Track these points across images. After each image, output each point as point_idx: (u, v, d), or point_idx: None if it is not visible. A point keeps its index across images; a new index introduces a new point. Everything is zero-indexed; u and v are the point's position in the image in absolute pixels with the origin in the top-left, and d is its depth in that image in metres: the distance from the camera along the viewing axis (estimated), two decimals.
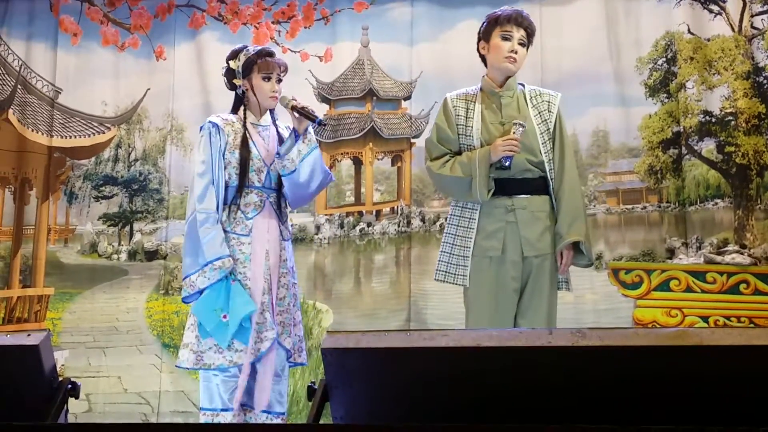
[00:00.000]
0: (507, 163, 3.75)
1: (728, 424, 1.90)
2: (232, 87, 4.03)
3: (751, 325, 5.06)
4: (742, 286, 5.24)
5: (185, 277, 3.80)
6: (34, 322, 6.25)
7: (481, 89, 3.98)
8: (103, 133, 6.54)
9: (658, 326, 5.17)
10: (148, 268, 6.39)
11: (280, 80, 3.99)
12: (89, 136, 6.53)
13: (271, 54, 4.01)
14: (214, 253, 3.75)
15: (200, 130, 3.94)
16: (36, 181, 6.50)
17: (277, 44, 6.05)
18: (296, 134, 3.90)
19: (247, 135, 3.91)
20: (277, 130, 4.05)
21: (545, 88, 4.09)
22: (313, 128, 3.99)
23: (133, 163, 6.54)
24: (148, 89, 6.45)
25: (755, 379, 1.98)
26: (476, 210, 3.84)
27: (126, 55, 6.49)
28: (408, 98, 6.09)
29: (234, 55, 4.01)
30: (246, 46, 4.07)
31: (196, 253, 3.77)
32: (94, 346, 6.18)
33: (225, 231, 3.83)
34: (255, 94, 3.97)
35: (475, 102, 3.94)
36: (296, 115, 3.88)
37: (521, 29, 3.89)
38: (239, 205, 3.86)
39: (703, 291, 5.30)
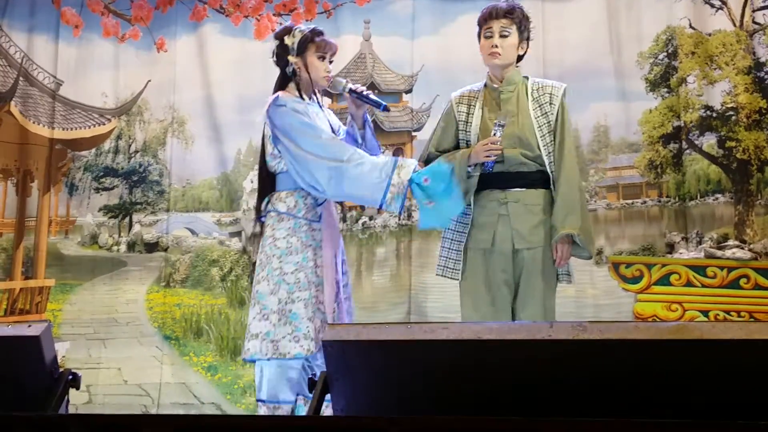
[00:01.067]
0: (489, 167, 3.76)
1: (728, 418, 1.91)
2: (282, 64, 3.92)
3: (752, 320, 5.06)
4: (742, 281, 5.24)
5: (382, 202, 3.66)
6: (35, 314, 6.26)
7: (485, 85, 4.01)
8: (104, 124, 6.54)
9: (658, 320, 5.17)
10: (148, 259, 6.40)
11: (331, 62, 3.93)
12: (90, 127, 6.53)
13: (324, 33, 3.94)
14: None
15: (278, 106, 3.78)
16: (37, 173, 6.50)
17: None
18: (353, 121, 3.88)
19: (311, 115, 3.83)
20: (325, 115, 3.99)
21: (552, 81, 4.08)
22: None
23: (133, 155, 6.54)
24: (149, 81, 6.45)
25: (755, 373, 1.98)
26: (470, 206, 3.86)
27: (126, 46, 6.48)
28: (409, 91, 6.08)
29: (287, 32, 3.90)
30: (295, 25, 3.98)
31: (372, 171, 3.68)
32: (95, 338, 6.18)
33: (296, 217, 3.76)
34: (309, 73, 3.87)
35: (477, 99, 3.98)
36: (355, 98, 3.84)
37: (500, 20, 3.89)
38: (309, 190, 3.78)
39: (703, 285, 5.30)
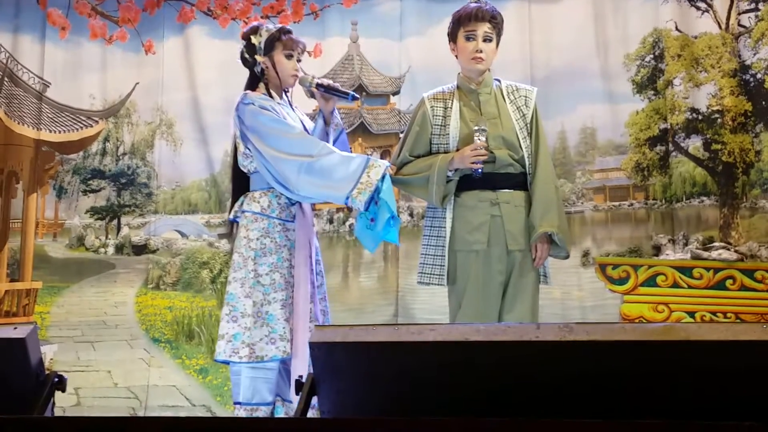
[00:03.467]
0: (479, 173, 3.75)
1: (714, 419, 1.91)
2: (249, 64, 3.90)
3: (738, 321, 5.08)
4: (728, 282, 5.26)
5: (347, 196, 3.59)
6: (22, 316, 6.23)
7: (457, 87, 3.96)
8: (91, 126, 6.52)
9: (644, 321, 5.19)
10: (136, 262, 6.39)
11: (299, 60, 3.89)
12: (77, 130, 6.51)
13: (291, 32, 3.90)
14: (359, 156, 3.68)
15: (246, 104, 3.76)
16: (22, 174, 6.48)
17: None
18: (323, 117, 3.86)
19: (282, 114, 3.80)
20: (296, 114, 3.96)
21: (524, 84, 4.09)
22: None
23: (121, 157, 6.52)
24: (137, 83, 6.44)
25: (741, 374, 1.99)
26: (446, 209, 3.84)
27: (114, 48, 6.47)
28: (396, 93, 6.09)
29: (254, 31, 3.88)
30: (263, 24, 3.95)
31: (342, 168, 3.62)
32: (83, 341, 6.17)
33: (270, 217, 3.74)
34: (277, 72, 3.85)
35: (452, 100, 3.92)
36: (323, 93, 3.82)
37: (485, 23, 3.84)
38: None
39: (689, 286, 5.32)
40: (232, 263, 3.78)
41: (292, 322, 3.64)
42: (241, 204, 3.82)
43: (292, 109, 3.96)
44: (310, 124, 3.98)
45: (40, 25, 6.54)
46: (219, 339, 3.68)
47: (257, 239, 3.72)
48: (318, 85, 3.82)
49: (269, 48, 3.85)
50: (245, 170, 3.84)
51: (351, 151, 4.03)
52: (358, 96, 4.02)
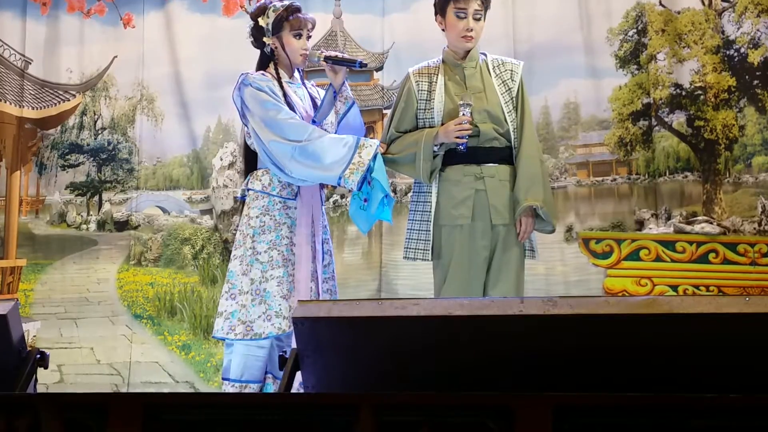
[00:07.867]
0: (464, 148, 3.74)
1: (697, 391, 1.92)
2: (259, 45, 3.91)
3: (720, 294, 5.11)
4: (711, 256, 5.28)
5: (339, 177, 3.63)
6: (6, 294, 6.22)
7: (443, 61, 3.97)
8: (69, 100, 6.47)
9: (628, 295, 5.20)
10: (118, 238, 6.36)
11: (309, 37, 3.90)
12: (56, 104, 6.46)
13: (300, 10, 3.89)
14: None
15: (245, 86, 3.76)
16: (5, 152, 6.43)
17: (248, 14, 5.98)
18: (333, 91, 3.84)
19: (287, 94, 3.80)
20: (308, 91, 3.97)
21: (510, 58, 4.09)
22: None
23: (100, 132, 6.48)
24: (115, 57, 6.38)
25: (723, 346, 2.00)
26: (431, 184, 3.84)
27: (92, 21, 6.41)
28: (380, 69, 6.06)
29: (261, 12, 3.87)
30: (271, 2, 3.92)
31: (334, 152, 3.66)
32: (66, 317, 6.16)
33: (270, 195, 3.75)
34: (286, 52, 3.85)
35: (437, 74, 3.93)
36: (331, 65, 3.80)
37: (476, 1, 3.84)
38: None
39: (672, 260, 5.33)
40: (235, 241, 3.82)
41: (291, 300, 3.64)
42: (247, 182, 3.83)
43: (305, 86, 3.96)
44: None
45: (21, 1, 6.48)
46: (217, 316, 3.71)
47: (257, 217, 3.74)
48: (326, 58, 3.81)
49: (277, 28, 3.84)
50: (252, 149, 3.85)
51: (363, 123, 4.03)
52: (366, 63, 4.03)
